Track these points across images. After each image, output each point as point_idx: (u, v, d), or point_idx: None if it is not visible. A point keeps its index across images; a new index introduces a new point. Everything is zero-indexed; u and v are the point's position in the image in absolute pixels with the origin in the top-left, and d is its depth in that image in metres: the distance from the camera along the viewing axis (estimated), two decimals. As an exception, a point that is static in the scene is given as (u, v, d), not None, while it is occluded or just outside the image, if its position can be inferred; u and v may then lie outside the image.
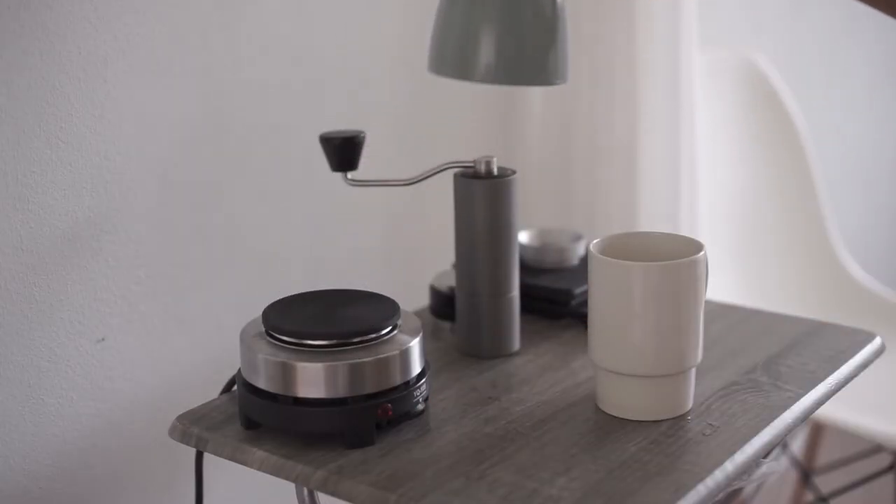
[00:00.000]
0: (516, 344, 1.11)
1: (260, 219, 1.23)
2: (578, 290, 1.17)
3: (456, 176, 1.08)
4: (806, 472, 1.88)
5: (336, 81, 1.29)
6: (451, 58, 1.00)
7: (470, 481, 0.85)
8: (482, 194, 1.06)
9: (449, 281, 1.17)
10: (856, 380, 1.07)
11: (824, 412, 1.54)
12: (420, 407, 0.95)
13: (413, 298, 1.27)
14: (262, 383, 0.92)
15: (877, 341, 1.12)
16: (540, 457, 0.89)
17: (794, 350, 1.09)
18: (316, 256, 1.31)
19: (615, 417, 0.95)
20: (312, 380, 0.90)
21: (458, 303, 1.10)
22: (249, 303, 1.21)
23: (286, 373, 0.90)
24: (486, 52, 0.98)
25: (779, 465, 0.95)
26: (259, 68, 1.20)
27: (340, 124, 1.27)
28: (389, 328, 0.94)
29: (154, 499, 1.18)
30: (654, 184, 1.49)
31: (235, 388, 0.97)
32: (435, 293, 1.17)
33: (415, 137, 1.41)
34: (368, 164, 1.13)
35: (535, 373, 1.06)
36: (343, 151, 1.07)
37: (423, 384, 0.95)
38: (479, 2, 0.98)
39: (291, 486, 0.98)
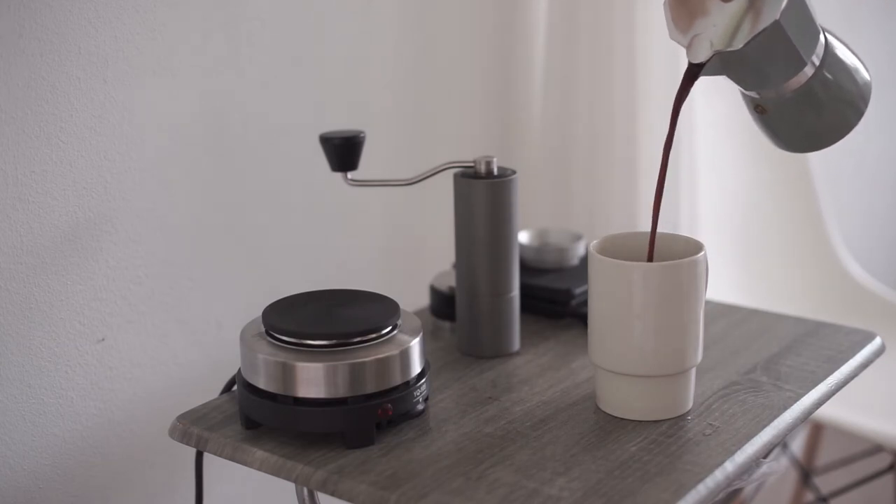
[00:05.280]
0: (516, 344, 1.11)
1: (260, 219, 1.23)
2: (578, 290, 1.17)
3: (456, 176, 1.08)
4: (806, 472, 1.88)
5: (336, 81, 1.29)
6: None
7: (470, 481, 0.85)
8: (482, 194, 1.06)
9: (449, 281, 1.17)
10: (856, 380, 1.07)
11: (824, 412, 1.54)
12: (420, 407, 0.95)
13: (413, 298, 1.27)
14: (261, 383, 0.92)
15: (877, 341, 1.12)
16: (540, 457, 0.89)
17: (794, 350, 1.09)
18: (316, 256, 1.30)
19: (615, 417, 0.95)
20: (312, 380, 0.90)
21: (458, 303, 1.10)
22: (249, 303, 1.21)
23: (286, 373, 0.90)
24: None
25: (779, 465, 0.95)
26: (259, 68, 1.20)
27: (340, 124, 1.27)
28: (389, 328, 0.94)
29: (154, 499, 1.17)
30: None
31: (235, 387, 0.97)
32: (435, 293, 1.17)
33: (415, 137, 1.41)
34: (368, 164, 1.13)
35: (535, 373, 1.06)
36: (343, 151, 1.08)
37: (423, 384, 0.95)
38: None
39: (291, 486, 0.98)
